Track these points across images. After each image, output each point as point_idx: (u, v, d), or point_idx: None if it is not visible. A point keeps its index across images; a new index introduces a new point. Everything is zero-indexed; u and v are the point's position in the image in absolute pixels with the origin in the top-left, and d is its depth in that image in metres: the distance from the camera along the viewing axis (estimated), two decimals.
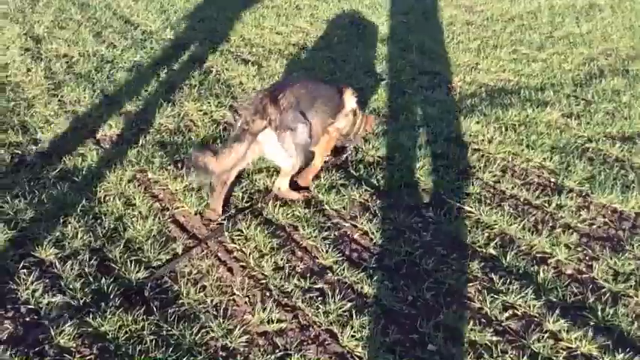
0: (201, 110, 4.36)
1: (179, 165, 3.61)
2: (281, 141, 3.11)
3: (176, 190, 3.39)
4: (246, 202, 3.33)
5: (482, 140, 4.11)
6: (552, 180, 3.70)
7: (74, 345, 2.35)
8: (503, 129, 4.25)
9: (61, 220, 3.06)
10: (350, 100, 3.52)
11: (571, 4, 7.69)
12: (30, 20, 5.99)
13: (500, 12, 7.26)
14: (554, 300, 2.74)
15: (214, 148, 3.13)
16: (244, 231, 3.07)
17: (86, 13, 6.29)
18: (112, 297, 2.60)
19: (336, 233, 3.13)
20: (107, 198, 3.30)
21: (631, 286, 2.83)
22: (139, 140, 3.90)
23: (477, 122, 4.32)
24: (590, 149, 4.09)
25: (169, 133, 4.03)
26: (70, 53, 5.25)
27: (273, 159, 3.26)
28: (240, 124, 3.12)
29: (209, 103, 4.45)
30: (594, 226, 3.28)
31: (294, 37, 6.05)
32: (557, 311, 2.64)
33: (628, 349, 2.43)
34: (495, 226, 3.24)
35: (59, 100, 4.39)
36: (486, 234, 3.18)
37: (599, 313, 2.65)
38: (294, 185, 3.44)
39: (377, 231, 3.12)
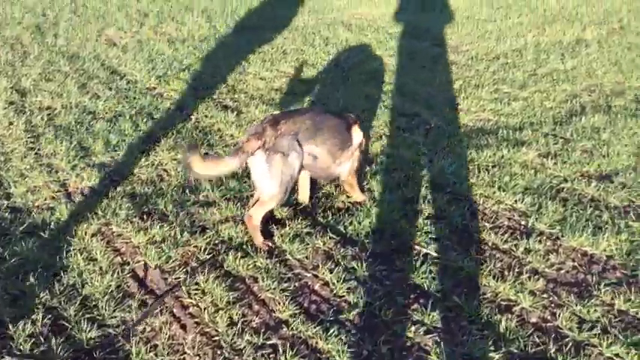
0: (175, 159, 4.38)
1: (144, 217, 3.61)
2: (268, 163, 3.14)
3: (139, 243, 3.38)
4: (209, 253, 3.31)
5: (455, 183, 4.07)
6: (523, 223, 3.64)
7: None
8: (477, 170, 4.22)
9: (21, 278, 3.05)
10: (357, 134, 3.60)
11: (558, 41, 7.72)
12: (18, 73, 6.12)
13: (485, 51, 7.30)
14: (515, 351, 2.66)
15: (206, 153, 3.22)
16: (202, 284, 3.03)
17: (74, 65, 6.42)
18: (60, 358, 2.56)
19: (297, 284, 3.08)
20: (70, 253, 3.29)
21: (595, 334, 2.73)
22: (109, 192, 3.91)
23: (451, 164, 4.29)
24: (565, 189, 4.03)
25: (141, 183, 4.04)
26: (54, 105, 5.33)
27: (257, 182, 3.27)
28: (240, 144, 3.19)
29: (183, 152, 4.47)
30: (562, 271, 3.21)
31: (277, 82, 6.11)
32: None
33: None
34: (461, 273, 3.18)
35: (36, 154, 4.44)
36: (452, 281, 3.11)
37: None
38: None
39: (338, 281, 3.07)
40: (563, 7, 9.70)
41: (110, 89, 5.75)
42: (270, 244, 3.38)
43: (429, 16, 9.08)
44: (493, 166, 4.32)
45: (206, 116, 5.19)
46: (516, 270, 3.20)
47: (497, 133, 4.91)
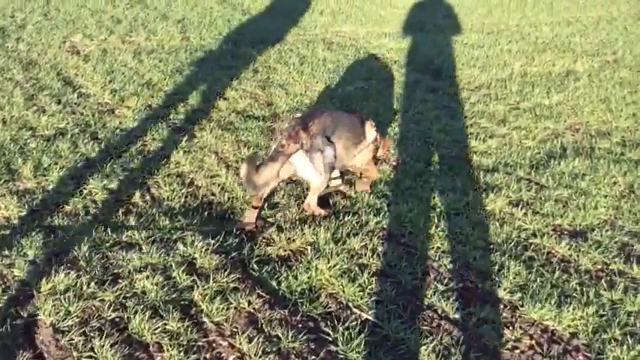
0: (107, 189, 3.97)
1: (53, 259, 3.19)
2: (312, 161, 3.59)
3: (40, 291, 2.96)
4: (115, 310, 2.89)
5: (411, 233, 3.67)
6: (480, 285, 3.24)
7: None
8: (436, 219, 3.82)
9: None
10: (371, 131, 4.05)
11: (546, 72, 7.34)
12: None
13: (468, 79, 6.91)
14: None
15: (258, 164, 3.55)
16: (97, 351, 2.61)
17: (28, 74, 6.02)
18: None
19: (207, 356, 2.67)
20: None
21: None
22: (25, 225, 3.50)
23: (410, 210, 3.89)
24: (533, 246, 3.63)
25: (63, 216, 3.63)
26: None
27: (304, 177, 3.71)
28: (275, 147, 3.60)
29: (119, 180, 4.07)
30: (517, 351, 2.80)
31: (241, 103, 5.71)
32: None
33: None
34: (402, 347, 2.77)
35: None
36: (389, 357, 2.70)
37: None
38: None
39: (256, 354, 2.65)
40: (557, 35, 9.34)
41: (59, 103, 5.34)
42: (329, 210, 3.85)
43: (416, 37, 8.71)
44: (456, 214, 3.92)
45: (154, 139, 4.78)
46: (464, 346, 2.79)
47: (468, 174, 4.52)
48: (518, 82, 6.81)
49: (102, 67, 6.32)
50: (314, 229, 3.62)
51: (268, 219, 3.77)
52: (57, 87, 5.71)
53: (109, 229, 3.48)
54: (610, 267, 3.48)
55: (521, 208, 4.03)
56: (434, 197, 4.09)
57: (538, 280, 3.27)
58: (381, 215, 3.83)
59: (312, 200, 3.79)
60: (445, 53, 7.88)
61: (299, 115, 3.82)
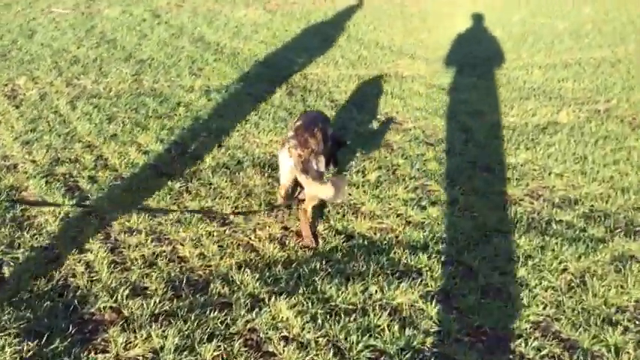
0: None
1: None
2: (317, 164, 3.78)
3: None
4: None
5: (283, 338, 3.02)
6: None
7: None
8: (320, 319, 3.15)
9: None
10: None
11: (522, 123, 6.63)
12: None
13: (432, 131, 6.24)
14: None
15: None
16: None
17: None
18: None
19: None
20: None
21: None
22: None
23: (293, 306, 3.24)
24: (434, 356, 2.94)
25: None
26: None
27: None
28: (295, 159, 3.73)
29: None
30: None
31: (163, 157, 5.16)
32: None
33: None
34: None
35: None
36: None
37: None
38: None
39: None
40: (548, 79, 8.62)
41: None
42: (315, 245, 3.89)
43: (391, 80, 8.11)
44: (352, 311, 3.26)
45: (41, 200, 4.24)
46: None
47: (389, 254, 3.85)
48: (485, 136, 6.12)
49: (29, 114, 5.88)
50: (164, 331, 2.99)
51: (122, 311, 3.16)
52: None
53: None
54: None
55: (437, 304, 3.35)
56: (331, 287, 3.43)
57: None
58: (254, 312, 3.19)
59: (309, 206, 3.91)
60: (414, 100, 7.24)
61: (298, 122, 4.08)
